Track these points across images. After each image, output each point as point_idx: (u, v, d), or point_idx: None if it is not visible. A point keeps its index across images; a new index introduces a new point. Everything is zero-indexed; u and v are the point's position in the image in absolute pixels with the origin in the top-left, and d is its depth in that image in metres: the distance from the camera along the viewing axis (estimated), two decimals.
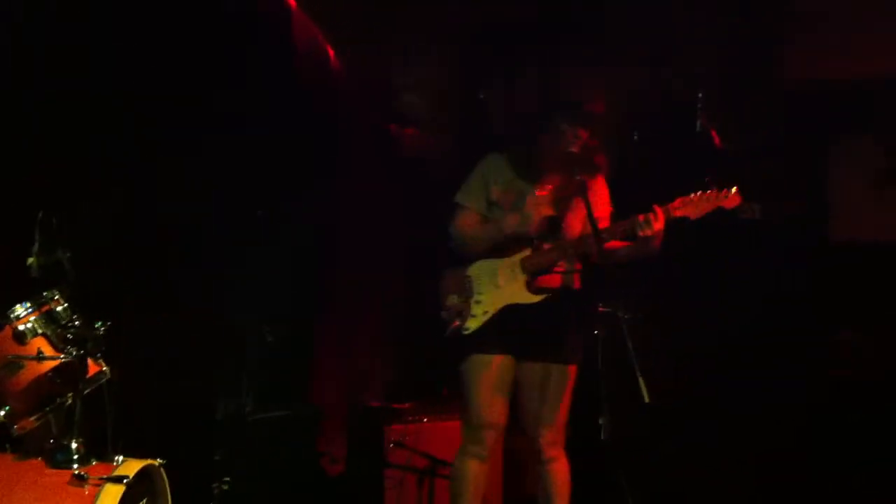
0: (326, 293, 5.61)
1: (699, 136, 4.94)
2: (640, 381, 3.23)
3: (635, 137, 4.90)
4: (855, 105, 5.11)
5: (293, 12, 5.59)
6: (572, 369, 3.87)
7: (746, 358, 5.00)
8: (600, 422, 3.52)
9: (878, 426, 4.76)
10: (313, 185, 5.37)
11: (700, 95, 4.98)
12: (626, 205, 3.88)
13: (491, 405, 3.84)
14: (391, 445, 4.80)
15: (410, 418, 4.92)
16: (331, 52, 6.02)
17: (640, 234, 3.62)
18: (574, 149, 3.75)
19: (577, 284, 3.91)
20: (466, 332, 3.82)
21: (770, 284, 5.05)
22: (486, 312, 3.80)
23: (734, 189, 3.64)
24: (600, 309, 3.71)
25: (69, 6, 4.14)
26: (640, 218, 3.63)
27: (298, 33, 5.64)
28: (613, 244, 3.76)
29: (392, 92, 5.99)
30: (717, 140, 4.54)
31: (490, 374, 3.82)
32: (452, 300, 3.88)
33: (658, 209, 3.63)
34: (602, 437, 3.51)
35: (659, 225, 3.61)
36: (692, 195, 3.66)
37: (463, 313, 3.83)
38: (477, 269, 3.86)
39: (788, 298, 5.03)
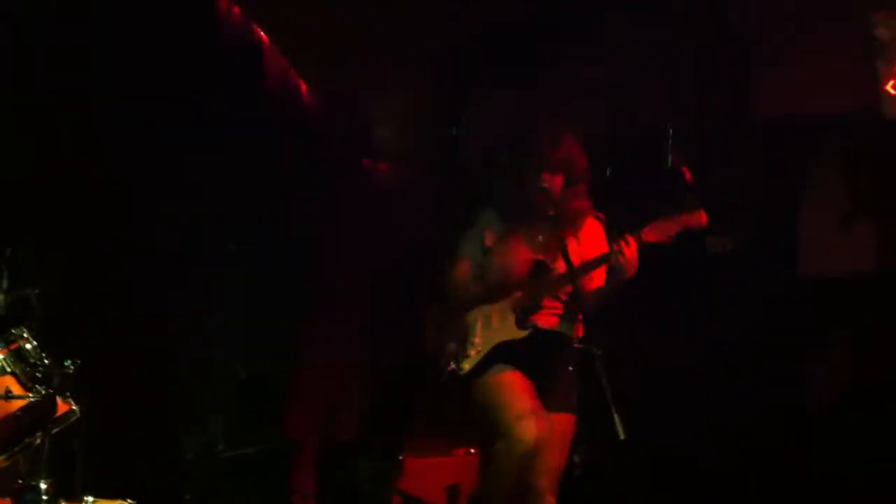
0: (303, 328, 5.59)
1: (670, 173, 4.97)
2: (616, 417, 3.22)
3: (608, 174, 4.93)
4: (823, 140, 5.20)
5: (265, 46, 5.61)
6: (568, 418, 3.79)
7: (722, 386, 5.03)
8: (574, 459, 3.51)
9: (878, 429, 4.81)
10: (288, 220, 5.36)
11: (671, 131, 5.04)
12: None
13: (521, 397, 3.64)
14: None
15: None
16: (303, 86, 6.04)
17: (613, 263, 3.64)
18: (540, 195, 3.76)
19: (578, 332, 3.84)
20: (462, 374, 3.80)
21: (738, 317, 5.08)
22: (479, 353, 3.80)
23: (699, 208, 3.68)
24: (574, 345, 3.72)
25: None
26: (613, 247, 3.66)
27: (270, 67, 5.65)
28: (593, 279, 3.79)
29: (365, 125, 6.01)
30: (688, 176, 4.58)
31: (505, 377, 3.70)
32: (451, 347, 3.87)
33: (629, 236, 3.65)
34: (578, 473, 3.51)
35: (631, 252, 3.63)
36: (660, 219, 3.69)
37: (458, 356, 3.82)
38: (474, 314, 3.87)
39: (758, 330, 5.07)
